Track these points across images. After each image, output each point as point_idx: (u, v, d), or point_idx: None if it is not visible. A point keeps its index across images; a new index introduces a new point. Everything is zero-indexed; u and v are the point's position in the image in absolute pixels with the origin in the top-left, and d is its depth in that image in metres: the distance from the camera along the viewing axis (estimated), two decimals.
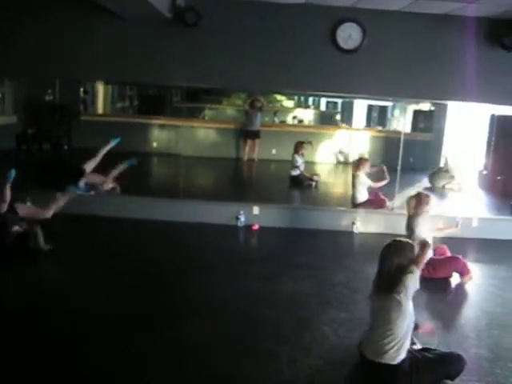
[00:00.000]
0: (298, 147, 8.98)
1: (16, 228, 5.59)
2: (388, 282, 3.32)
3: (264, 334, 4.05)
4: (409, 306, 3.28)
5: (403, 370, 3.28)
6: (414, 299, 3.37)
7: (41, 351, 3.58)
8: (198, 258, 5.82)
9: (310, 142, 9.34)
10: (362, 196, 7.64)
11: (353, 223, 7.14)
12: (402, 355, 3.29)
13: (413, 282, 3.28)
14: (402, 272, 3.29)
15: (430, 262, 5.38)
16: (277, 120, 11.46)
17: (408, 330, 3.31)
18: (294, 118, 11.77)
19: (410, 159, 8.57)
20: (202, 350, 3.73)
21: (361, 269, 5.74)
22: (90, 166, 6.69)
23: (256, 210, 7.16)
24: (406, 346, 3.32)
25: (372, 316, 3.44)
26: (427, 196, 5.49)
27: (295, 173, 9.02)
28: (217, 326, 4.17)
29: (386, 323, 3.28)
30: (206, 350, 3.74)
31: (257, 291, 4.93)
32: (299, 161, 8.98)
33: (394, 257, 3.36)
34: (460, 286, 5.43)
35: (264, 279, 5.23)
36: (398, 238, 3.53)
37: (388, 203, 7.60)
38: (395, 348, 3.27)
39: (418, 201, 5.40)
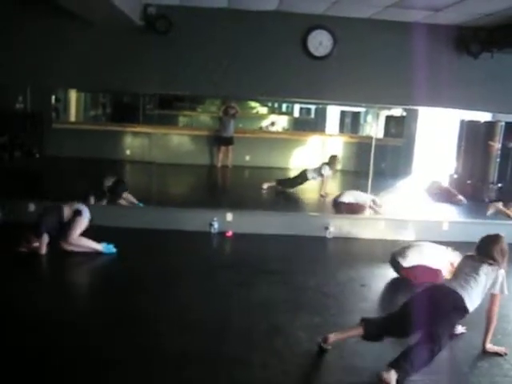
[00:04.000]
0: None
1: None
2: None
3: (237, 340, 4.06)
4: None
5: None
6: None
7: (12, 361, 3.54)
8: (171, 264, 5.82)
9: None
10: (347, 197, 7.74)
11: (326, 228, 7.20)
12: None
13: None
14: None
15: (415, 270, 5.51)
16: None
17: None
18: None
19: (381, 164, 8.67)
20: (174, 357, 3.72)
21: (333, 274, 5.80)
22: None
23: (229, 216, 7.17)
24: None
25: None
26: None
27: None
28: (189, 331, 4.16)
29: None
30: (178, 356, 3.73)
31: (230, 297, 4.94)
32: None
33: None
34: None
35: (237, 285, 5.24)
36: None
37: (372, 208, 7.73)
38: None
39: None
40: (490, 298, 3.95)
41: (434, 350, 3.46)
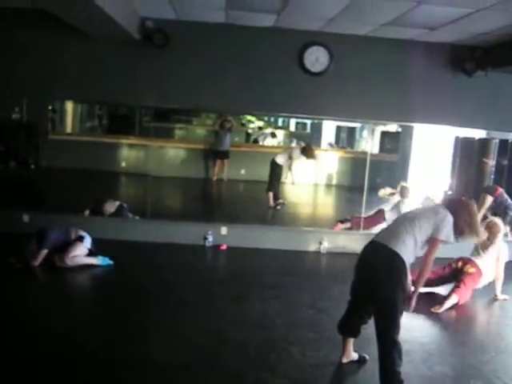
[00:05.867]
0: None
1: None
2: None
3: (230, 354, 4.05)
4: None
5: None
6: None
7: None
8: (166, 278, 5.80)
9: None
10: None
11: (320, 243, 7.20)
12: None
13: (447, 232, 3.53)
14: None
15: None
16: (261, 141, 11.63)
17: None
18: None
19: (377, 179, 8.71)
20: (168, 370, 3.70)
21: (327, 289, 5.78)
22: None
23: (224, 230, 7.17)
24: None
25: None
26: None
27: None
28: (183, 345, 4.15)
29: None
30: (173, 370, 3.72)
31: (224, 311, 4.93)
32: None
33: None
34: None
35: (231, 299, 5.23)
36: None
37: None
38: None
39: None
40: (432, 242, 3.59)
41: (394, 349, 3.40)
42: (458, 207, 3.67)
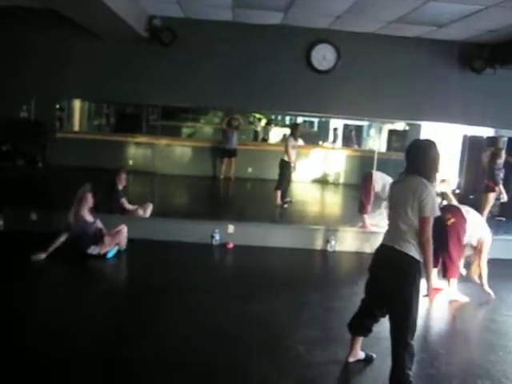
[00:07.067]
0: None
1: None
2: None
3: (236, 353, 4.04)
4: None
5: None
6: None
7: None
8: (173, 276, 5.80)
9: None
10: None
11: (327, 241, 7.18)
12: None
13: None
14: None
15: None
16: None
17: None
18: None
19: None
20: (173, 370, 3.70)
21: (334, 287, 5.78)
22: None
23: (231, 228, 7.15)
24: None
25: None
26: None
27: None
28: (190, 344, 4.14)
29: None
30: (178, 368, 3.72)
31: (230, 310, 4.93)
32: None
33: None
34: (431, 304, 5.49)
35: (238, 298, 5.22)
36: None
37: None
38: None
39: None
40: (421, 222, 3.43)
41: (406, 351, 3.38)
42: (425, 161, 3.61)
